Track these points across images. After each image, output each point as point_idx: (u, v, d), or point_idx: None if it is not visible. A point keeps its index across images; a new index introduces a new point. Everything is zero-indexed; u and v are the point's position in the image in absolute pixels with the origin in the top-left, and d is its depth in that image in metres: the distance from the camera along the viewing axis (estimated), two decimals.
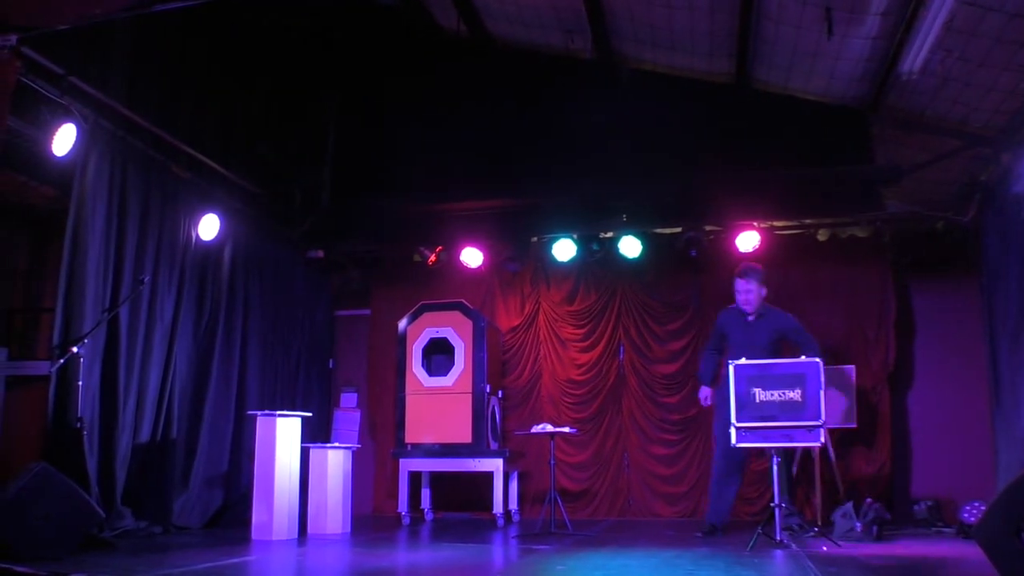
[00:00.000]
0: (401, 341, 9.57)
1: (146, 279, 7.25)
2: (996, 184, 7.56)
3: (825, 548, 6.35)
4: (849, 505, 7.25)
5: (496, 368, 9.80)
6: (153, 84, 7.64)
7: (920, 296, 9.64)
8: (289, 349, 9.93)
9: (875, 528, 7.02)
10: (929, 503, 8.43)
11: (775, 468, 6.59)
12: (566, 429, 8.14)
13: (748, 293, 7.53)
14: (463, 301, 9.60)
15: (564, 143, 9.17)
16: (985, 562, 4.53)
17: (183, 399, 8.00)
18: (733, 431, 6.69)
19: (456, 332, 9.34)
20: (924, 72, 6.79)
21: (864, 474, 9.14)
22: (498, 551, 6.74)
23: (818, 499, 8.48)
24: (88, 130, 6.80)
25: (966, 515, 7.45)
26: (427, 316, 9.52)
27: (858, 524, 7.05)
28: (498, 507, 8.65)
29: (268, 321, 9.46)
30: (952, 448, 9.05)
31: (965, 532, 7.26)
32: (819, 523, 7.90)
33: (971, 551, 5.72)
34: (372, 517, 10.00)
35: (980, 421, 8.67)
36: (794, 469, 8.51)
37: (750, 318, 7.59)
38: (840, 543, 6.57)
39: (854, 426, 8.55)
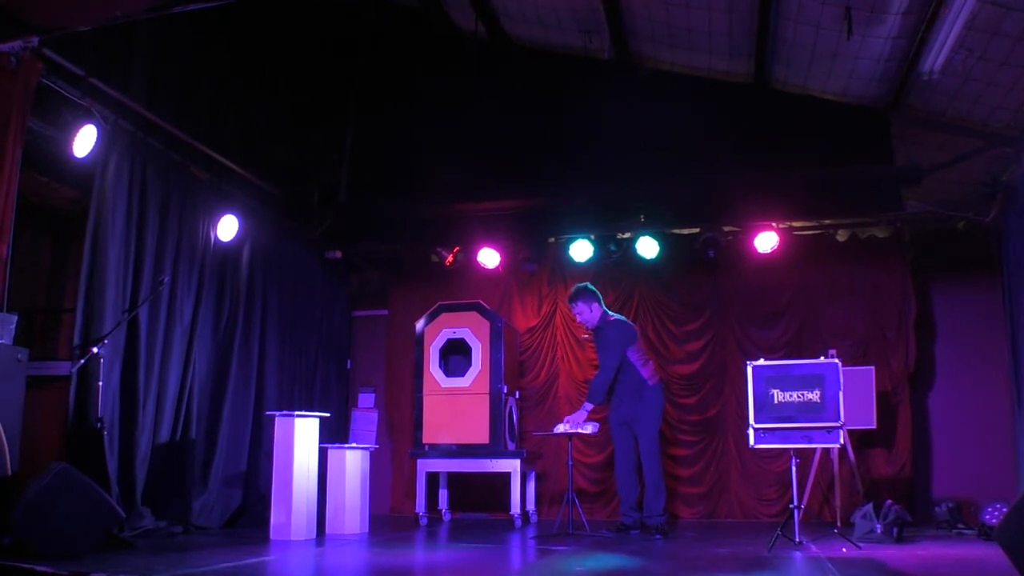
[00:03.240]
0: (418, 342, 9.58)
1: (166, 280, 7.30)
2: (1018, 184, 7.50)
3: (845, 550, 6.31)
4: (869, 506, 7.20)
5: (513, 369, 9.80)
6: (173, 85, 7.69)
7: (941, 297, 9.58)
8: (307, 349, 9.97)
9: (895, 529, 6.98)
10: (950, 504, 8.37)
11: (794, 469, 6.56)
12: (587, 430, 8.05)
13: (579, 315, 8.16)
14: (480, 302, 9.60)
15: (582, 144, 9.14)
16: (1007, 564, 4.50)
17: (202, 399, 8.04)
18: (751, 432, 6.67)
19: (473, 333, 9.34)
20: (945, 72, 6.75)
21: (884, 475, 9.08)
22: (516, 552, 6.74)
23: (838, 500, 8.44)
24: (108, 131, 6.84)
25: (987, 517, 7.40)
26: (444, 317, 9.52)
27: (878, 525, 7.00)
28: (515, 508, 8.65)
29: (286, 321, 9.49)
30: (973, 449, 8.99)
31: (986, 534, 7.21)
32: (839, 524, 7.86)
33: (992, 553, 5.68)
34: (390, 517, 10.02)
35: (1002, 422, 8.63)
36: (812, 470, 8.48)
37: (594, 334, 8.19)
38: (860, 544, 6.53)
39: (874, 427, 8.50)
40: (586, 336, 8.46)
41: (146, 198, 7.37)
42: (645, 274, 9.97)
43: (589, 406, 7.80)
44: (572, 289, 8.25)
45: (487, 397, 9.14)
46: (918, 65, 6.87)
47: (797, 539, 6.39)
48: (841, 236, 9.42)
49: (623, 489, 7.94)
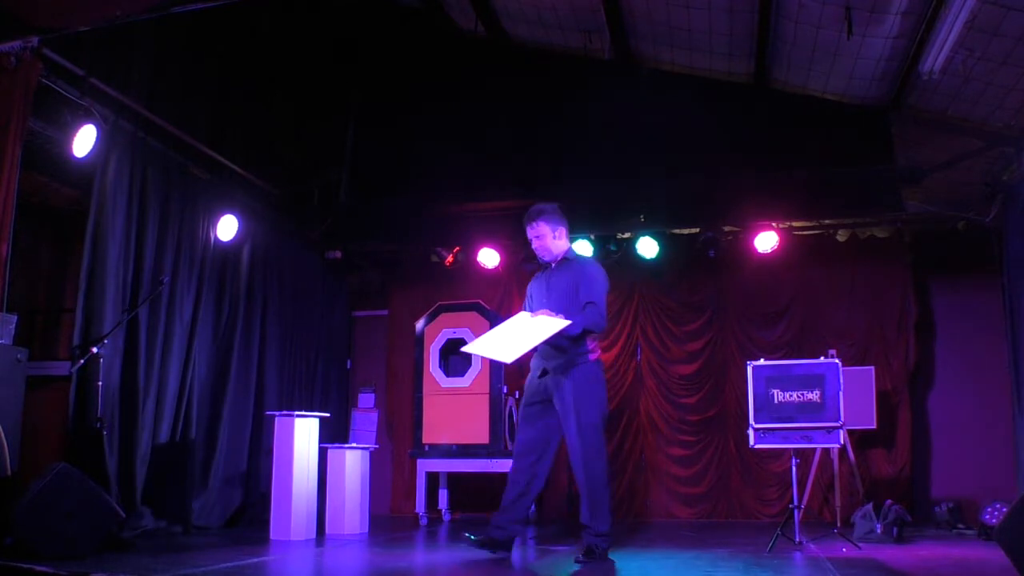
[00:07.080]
0: (418, 342, 9.57)
1: (166, 280, 7.29)
2: (1018, 184, 7.49)
3: (845, 550, 6.31)
4: (869, 506, 7.21)
5: (513, 369, 9.77)
6: (173, 85, 7.68)
7: (941, 297, 9.58)
8: (307, 350, 9.96)
9: (895, 529, 6.98)
10: (950, 505, 8.37)
11: (794, 469, 6.55)
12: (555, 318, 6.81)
13: (539, 239, 5.94)
14: (480, 302, 9.60)
15: (582, 144, 9.14)
16: (1007, 564, 4.50)
17: (202, 399, 8.03)
18: (751, 432, 6.67)
19: (473, 333, 9.31)
20: (945, 72, 6.74)
21: (884, 475, 9.08)
22: (515, 552, 6.73)
23: (838, 500, 8.43)
24: (108, 131, 6.83)
25: (987, 517, 7.40)
26: (444, 317, 9.52)
27: (878, 525, 7.00)
28: None
29: (286, 321, 9.48)
30: (973, 449, 8.99)
31: (986, 534, 7.21)
32: (839, 524, 7.86)
33: (993, 553, 5.68)
34: (390, 518, 10.01)
35: (1002, 422, 8.61)
36: (811, 470, 8.47)
37: (552, 266, 6.03)
38: (860, 545, 6.53)
39: (874, 427, 8.49)
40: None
41: (146, 198, 7.36)
42: (645, 274, 9.95)
43: (575, 328, 5.56)
44: (535, 206, 6.01)
45: (487, 397, 9.14)
46: (918, 65, 6.86)
47: (797, 539, 6.39)
48: (841, 236, 9.41)
49: (518, 489, 5.93)
